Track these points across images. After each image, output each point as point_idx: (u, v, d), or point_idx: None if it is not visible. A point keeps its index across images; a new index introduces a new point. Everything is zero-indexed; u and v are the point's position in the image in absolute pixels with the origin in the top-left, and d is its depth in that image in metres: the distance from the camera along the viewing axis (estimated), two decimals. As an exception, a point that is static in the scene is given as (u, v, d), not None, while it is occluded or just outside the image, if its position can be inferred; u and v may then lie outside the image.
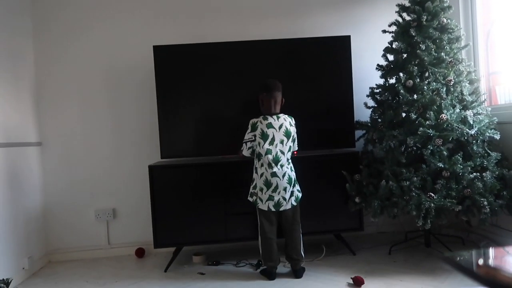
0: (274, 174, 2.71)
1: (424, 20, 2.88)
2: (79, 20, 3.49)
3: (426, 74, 2.89)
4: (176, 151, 3.24)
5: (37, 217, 3.34)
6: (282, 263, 2.90)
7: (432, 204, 2.58)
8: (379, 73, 3.16)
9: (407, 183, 2.69)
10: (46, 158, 3.48)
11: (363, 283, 2.56)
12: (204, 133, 3.28)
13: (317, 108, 3.28)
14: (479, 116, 2.78)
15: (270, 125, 2.74)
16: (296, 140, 2.84)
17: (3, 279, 2.56)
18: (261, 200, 2.75)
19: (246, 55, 3.24)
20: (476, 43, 3.31)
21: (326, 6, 3.64)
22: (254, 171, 2.81)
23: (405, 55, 3.00)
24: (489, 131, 2.76)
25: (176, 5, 3.55)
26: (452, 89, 2.83)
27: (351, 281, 2.60)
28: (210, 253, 3.33)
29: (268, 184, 2.72)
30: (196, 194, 3.07)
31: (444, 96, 2.78)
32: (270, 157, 2.71)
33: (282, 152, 2.73)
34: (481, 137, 2.77)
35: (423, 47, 2.85)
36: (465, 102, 2.82)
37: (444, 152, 2.69)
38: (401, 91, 2.85)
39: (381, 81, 3.16)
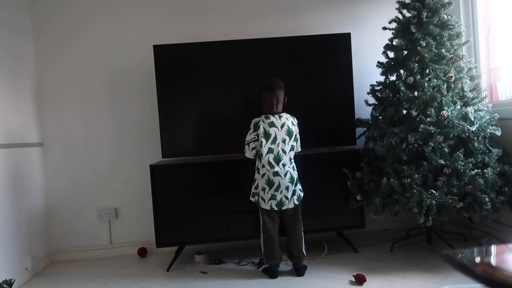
0: (276, 173, 2.71)
1: (424, 16, 2.87)
2: (79, 19, 3.49)
3: (427, 71, 2.88)
4: (177, 150, 3.25)
5: (39, 217, 3.35)
6: (284, 261, 2.90)
7: (434, 201, 2.58)
8: (380, 70, 3.16)
9: (409, 180, 2.68)
10: (48, 158, 3.48)
11: (365, 280, 2.56)
12: (205, 132, 3.28)
13: (318, 106, 3.28)
14: (480, 112, 2.78)
15: (272, 124, 2.73)
16: (298, 141, 2.83)
17: (6, 280, 2.56)
18: (264, 200, 2.75)
19: (246, 53, 3.24)
20: (477, 39, 3.30)
21: (326, 4, 3.63)
22: (255, 171, 2.81)
23: (405, 52, 2.99)
24: (490, 128, 2.75)
25: (176, 4, 3.55)
26: (453, 85, 2.82)
27: (353, 279, 2.60)
28: (212, 252, 3.33)
29: (270, 183, 2.72)
30: (198, 193, 3.07)
31: (445, 92, 2.77)
32: (271, 156, 2.71)
33: (284, 151, 2.73)
34: (482, 134, 2.76)
35: (423, 43, 2.84)
36: (466, 99, 2.82)
37: (445, 149, 2.68)
38: (402, 88, 2.85)
39: (382, 78, 3.15)
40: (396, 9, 3.09)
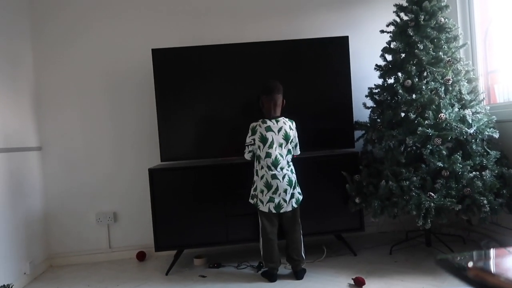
0: (274, 176, 2.71)
1: (422, 19, 2.88)
2: (78, 23, 3.50)
3: (425, 74, 2.89)
4: (176, 154, 3.25)
5: (37, 221, 3.34)
6: (283, 265, 2.90)
7: (432, 204, 2.58)
8: (378, 73, 3.16)
9: (407, 182, 2.69)
10: (46, 162, 3.48)
11: (364, 283, 2.56)
12: (203, 135, 3.28)
13: (316, 108, 3.29)
14: (478, 115, 2.78)
15: (269, 129, 2.74)
16: (297, 145, 2.84)
17: (4, 285, 2.55)
18: (262, 202, 2.75)
19: (245, 57, 3.25)
20: (474, 42, 3.31)
21: (324, 7, 3.65)
22: (254, 174, 2.81)
23: (403, 55, 3.00)
24: (488, 130, 2.76)
25: (174, 8, 3.56)
26: (450, 88, 2.83)
27: (352, 282, 2.60)
28: (211, 256, 3.33)
29: (268, 186, 2.72)
30: (197, 196, 3.07)
31: (443, 95, 2.78)
32: (269, 160, 2.71)
33: (281, 155, 2.73)
34: (480, 136, 2.77)
35: (421, 46, 2.85)
36: (463, 101, 2.82)
37: (444, 152, 2.69)
38: (400, 91, 2.86)
39: (380, 81, 3.16)
40: (393, 12, 3.10)
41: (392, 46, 3.09)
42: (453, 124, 2.67)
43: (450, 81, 2.80)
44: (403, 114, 2.91)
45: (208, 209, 3.06)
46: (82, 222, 3.51)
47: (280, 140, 2.73)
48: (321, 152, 3.24)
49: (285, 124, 2.77)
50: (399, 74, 2.96)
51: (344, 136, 3.27)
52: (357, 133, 3.26)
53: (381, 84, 3.14)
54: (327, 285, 2.65)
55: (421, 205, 2.60)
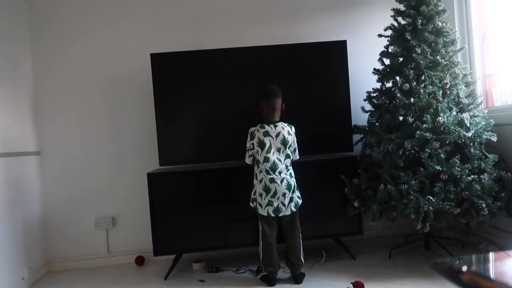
0: (272, 180, 2.71)
1: (419, 24, 2.90)
2: (76, 28, 3.50)
3: (422, 78, 2.90)
4: (174, 158, 3.25)
5: (36, 226, 3.33)
6: (282, 269, 2.89)
7: (431, 207, 2.59)
8: (376, 77, 3.17)
9: (406, 186, 2.69)
10: (45, 167, 3.48)
11: (363, 287, 2.55)
12: (202, 139, 3.28)
13: (315, 113, 3.29)
14: (476, 118, 2.79)
15: (267, 133, 2.74)
16: (296, 150, 2.84)
17: (3, 290, 2.55)
18: (261, 206, 2.75)
19: (243, 61, 3.25)
20: (472, 46, 3.33)
21: (322, 11, 3.66)
22: (254, 177, 2.81)
23: (401, 59, 3.01)
24: (486, 133, 2.77)
25: (173, 13, 3.57)
26: (448, 92, 2.84)
27: (351, 286, 2.59)
28: (210, 260, 3.32)
29: (267, 189, 2.72)
30: (195, 200, 3.07)
31: (441, 99, 2.79)
32: (267, 165, 2.72)
33: (280, 160, 2.74)
34: (478, 140, 2.77)
35: (418, 50, 2.86)
36: (461, 105, 2.83)
37: (442, 155, 2.69)
38: (398, 94, 2.87)
39: (378, 85, 3.16)
40: (391, 16, 3.11)
41: (390, 50, 3.09)
42: (451, 127, 2.68)
43: (448, 85, 2.81)
44: (401, 118, 2.91)
45: (206, 213, 3.06)
46: (81, 227, 3.50)
47: (278, 145, 2.74)
48: (319, 156, 3.24)
49: (284, 129, 2.77)
50: (397, 78, 2.97)
51: (342, 140, 3.28)
52: (356, 137, 3.26)
53: (379, 88, 3.15)
54: (326, 289, 2.65)
55: (419, 208, 2.60)
